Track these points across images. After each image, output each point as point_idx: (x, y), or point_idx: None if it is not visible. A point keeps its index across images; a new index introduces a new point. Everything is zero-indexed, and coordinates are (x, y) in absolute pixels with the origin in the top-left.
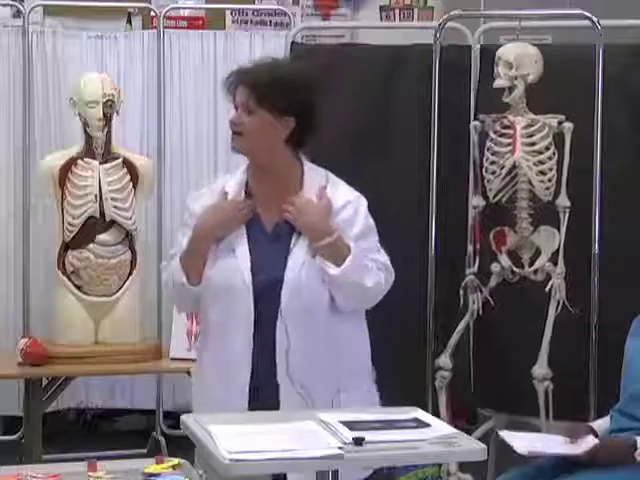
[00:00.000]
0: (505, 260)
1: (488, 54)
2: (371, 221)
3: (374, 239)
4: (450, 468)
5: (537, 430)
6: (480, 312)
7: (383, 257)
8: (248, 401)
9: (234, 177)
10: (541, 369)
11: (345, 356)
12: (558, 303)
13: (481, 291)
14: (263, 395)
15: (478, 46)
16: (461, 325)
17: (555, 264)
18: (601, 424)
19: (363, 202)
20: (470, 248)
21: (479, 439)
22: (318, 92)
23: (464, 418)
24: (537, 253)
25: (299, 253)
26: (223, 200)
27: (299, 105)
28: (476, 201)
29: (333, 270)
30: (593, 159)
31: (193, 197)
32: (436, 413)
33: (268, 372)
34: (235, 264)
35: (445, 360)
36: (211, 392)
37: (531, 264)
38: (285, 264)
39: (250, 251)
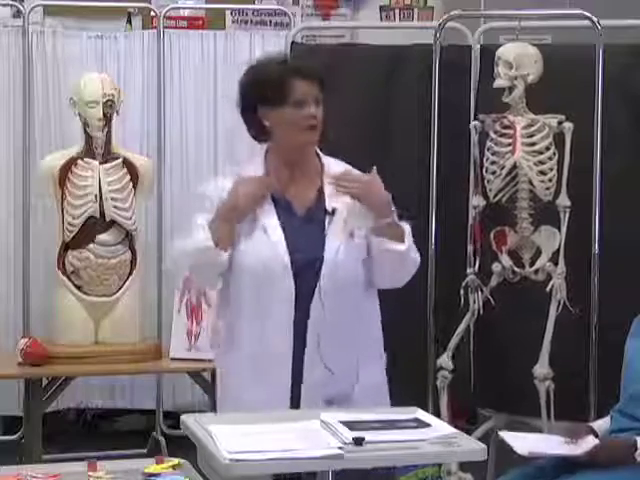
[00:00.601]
0: (506, 260)
1: (488, 54)
2: None
3: None
4: (451, 467)
5: (537, 430)
6: (481, 312)
7: None
8: (291, 379)
9: (248, 170)
10: (542, 369)
11: (365, 337)
12: (559, 303)
13: (482, 291)
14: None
15: (478, 46)
16: (462, 325)
17: (556, 264)
18: (601, 424)
19: None
20: (470, 248)
21: (479, 439)
22: None
23: (464, 418)
24: (538, 253)
25: (335, 233)
26: (250, 176)
27: None
28: (476, 201)
29: (401, 246)
30: (593, 159)
31: (209, 186)
32: (436, 413)
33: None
34: (271, 245)
35: (446, 360)
36: (252, 377)
37: (532, 264)
38: (322, 244)
39: (284, 233)
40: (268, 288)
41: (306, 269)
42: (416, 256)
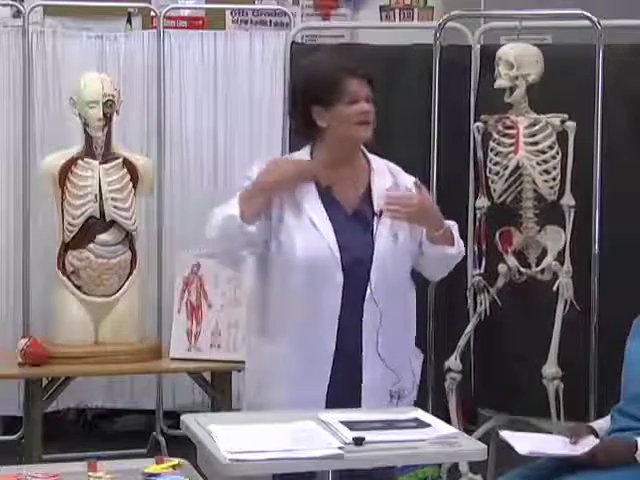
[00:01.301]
0: (512, 260)
1: (488, 54)
2: None
3: None
4: (461, 469)
5: (538, 430)
6: (487, 313)
7: None
8: (331, 373)
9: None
10: (551, 368)
11: (413, 331)
12: (565, 302)
13: (488, 292)
14: (346, 370)
15: (478, 46)
16: (470, 327)
17: (561, 263)
18: (601, 424)
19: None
20: (475, 249)
21: (479, 439)
22: None
23: (465, 418)
24: (543, 253)
25: (383, 234)
26: (296, 159)
27: None
28: (481, 202)
29: (453, 250)
30: (593, 159)
31: (255, 167)
32: (436, 413)
33: (353, 347)
34: (321, 240)
35: (454, 362)
36: (290, 367)
37: (537, 264)
38: (371, 244)
39: (333, 230)
40: (317, 283)
41: (355, 268)
42: (462, 248)
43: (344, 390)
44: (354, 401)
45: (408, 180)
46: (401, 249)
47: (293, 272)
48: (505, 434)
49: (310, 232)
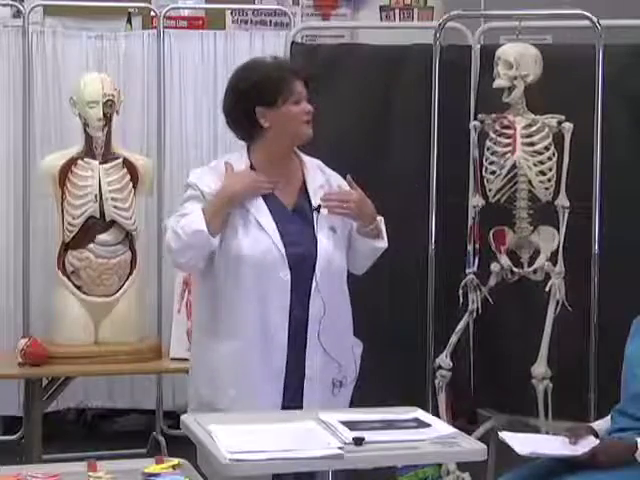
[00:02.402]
0: (505, 260)
1: (488, 54)
2: None
3: None
4: (449, 466)
5: (537, 430)
6: (479, 311)
7: None
8: (286, 362)
9: (236, 162)
10: (540, 368)
11: (351, 321)
12: (557, 303)
13: (480, 290)
14: (296, 362)
15: (478, 46)
16: (461, 325)
17: (554, 264)
18: (601, 424)
19: None
20: (470, 248)
21: (479, 439)
22: None
23: (464, 418)
24: (536, 253)
25: (324, 228)
26: (249, 170)
27: None
28: (476, 201)
29: (383, 243)
30: (593, 159)
31: (195, 175)
32: (436, 413)
33: (302, 339)
34: (266, 238)
35: (445, 359)
36: (245, 364)
37: (530, 264)
38: (314, 240)
39: (277, 227)
40: (265, 279)
41: (301, 263)
42: (386, 242)
43: (294, 382)
44: (298, 391)
45: (337, 178)
46: (340, 242)
47: (241, 271)
48: (504, 435)
49: (255, 231)
